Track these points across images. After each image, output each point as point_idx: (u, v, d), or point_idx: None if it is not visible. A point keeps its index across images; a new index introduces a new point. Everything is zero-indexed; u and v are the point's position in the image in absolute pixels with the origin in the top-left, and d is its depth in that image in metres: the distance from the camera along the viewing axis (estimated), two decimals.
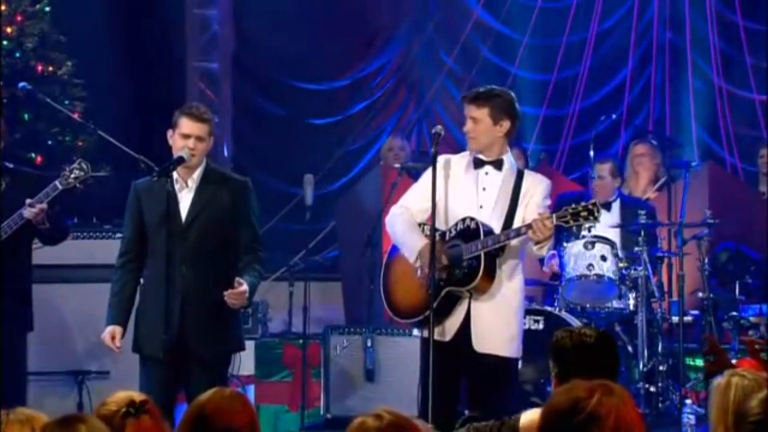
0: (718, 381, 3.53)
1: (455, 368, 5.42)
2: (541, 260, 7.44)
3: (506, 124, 5.47)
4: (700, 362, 7.65)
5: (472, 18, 10.62)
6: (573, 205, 5.21)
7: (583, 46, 10.47)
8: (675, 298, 7.67)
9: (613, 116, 9.18)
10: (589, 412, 2.79)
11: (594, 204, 5.20)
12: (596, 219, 5.19)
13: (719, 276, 7.95)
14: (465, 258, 5.35)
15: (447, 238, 5.41)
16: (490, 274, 5.35)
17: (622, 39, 10.55)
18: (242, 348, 5.72)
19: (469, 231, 5.38)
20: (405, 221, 5.54)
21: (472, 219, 5.39)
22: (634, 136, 9.45)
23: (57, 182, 6.03)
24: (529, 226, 5.23)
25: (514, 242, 5.35)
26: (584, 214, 5.19)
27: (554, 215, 5.21)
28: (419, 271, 5.43)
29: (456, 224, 5.43)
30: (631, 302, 7.36)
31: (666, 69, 10.51)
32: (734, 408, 3.37)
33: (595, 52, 10.49)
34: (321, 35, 10.59)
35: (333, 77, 10.75)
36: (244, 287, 5.39)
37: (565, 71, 10.49)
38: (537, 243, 5.25)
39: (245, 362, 7.26)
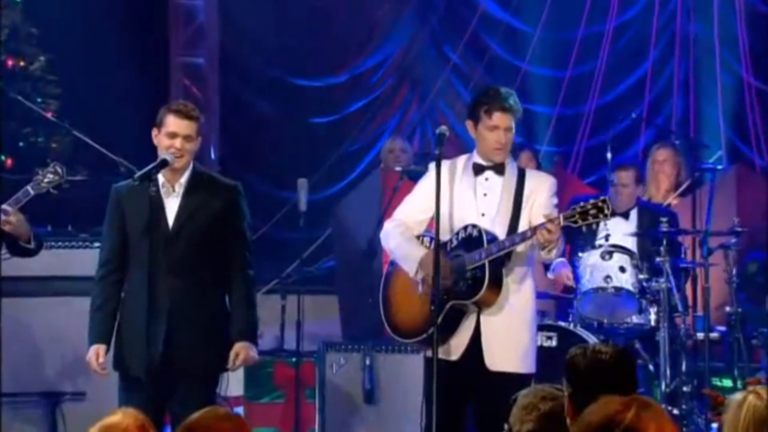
0: (735, 397, 3.58)
1: (463, 390, 5.43)
2: (546, 267, 7.45)
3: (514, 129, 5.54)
4: (728, 383, 7.65)
5: (479, 10, 10.64)
6: (581, 203, 5.23)
7: (600, 40, 10.49)
8: (700, 312, 7.67)
9: (633, 115, 9.19)
10: (626, 426, 2.79)
11: (604, 201, 5.20)
12: (606, 216, 5.20)
13: (748, 289, 7.95)
14: (468, 268, 5.36)
15: (449, 248, 5.42)
16: (497, 284, 5.36)
17: (642, 31, 10.57)
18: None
19: (472, 239, 5.40)
20: (400, 234, 5.56)
21: (474, 226, 5.40)
22: (656, 137, 9.47)
23: (29, 187, 6.03)
24: (534, 229, 5.23)
25: (520, 248, 5.36)
26: (593, 211, 5.20)
27: (561, 215, 5.23)
28: (421, 285, 5.42)
29: (458, 233, 5.44)
30: (653, 317, 7.36)
31: (690, 63, 10.52)
32: (744, 427, 3.41)
33: (613, 45, 10.50)
34: (316, 27, 10.61)
35: (329, 73, 10.78)
36: (244, 350, 5.43)
37: (580, 67, 10.51)
38: (544, 247, 5.25)
39: (233, 382, 7.27)
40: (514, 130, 5.51)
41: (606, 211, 5.19)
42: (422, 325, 5.42)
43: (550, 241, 5.21)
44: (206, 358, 5.50)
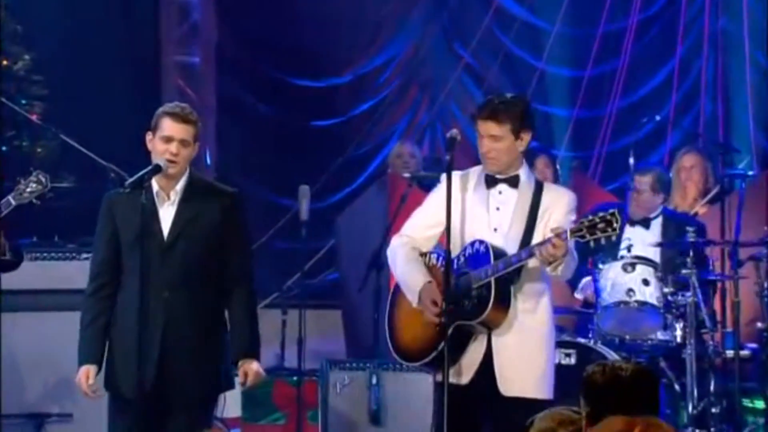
0: None
1: (475, 416, 5.44)
2: (571, 284, 7.46)
3: (527, 137, 5.50)
4: (759, 404, 7.66)
5: (493, 5, 10.66)
6: (589, 216, 5.22)
7: (622, 37, 10.51)
8: (729, 328, 7.68)
9: (657, 118, 9.22)
10: None
11: (613, 213, 5.17)
12: (615, 231, 5.17)
13: None
14: (474, 286, 5.38)
15: (456, 265, 5.44)
16: (503, 304, 5.37)
17: (668, 27, 10.59)
18: (231, 386, 5.74)
19: (479, 256, 5.41)
20: (405, 255, 5.56)
21: (481, 242, 5.41)
22: (682, 141, 9.49)
23: (10, 197, 6.05)
24: (541, 245, 5.24)
25: (532, 264, 5.35)
26: (601, 225, 5.18)
27: (568, 230, 5.21)
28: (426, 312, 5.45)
29: (464, 249, 5.46)
30: (678, 333, 7.38)
31: (719, 62, 10.53)
32: None
33: (636, 43, 10.52)
34: (319, 24, 10.64)
35: (333, 73, 10.81)
36: (253, 368, 5.47)
37: (601, 66, 10.53)
38: (550, 263, 5.26)
39: (231, 403, 7.26)
40: (508, 137, 5.42)
41: (615, 225, 5.15)
42: (427, 347, 5.43)
43: (554, 256, 5.20)
44: (204, 379, 5.50)
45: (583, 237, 5.21)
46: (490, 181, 5.52)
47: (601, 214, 5.19)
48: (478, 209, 5.50)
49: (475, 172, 5.57)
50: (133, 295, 5.43)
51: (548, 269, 5.31)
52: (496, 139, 5.44)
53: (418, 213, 5.66)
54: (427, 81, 11.10)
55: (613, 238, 5.25)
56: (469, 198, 5.50)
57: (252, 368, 5.50)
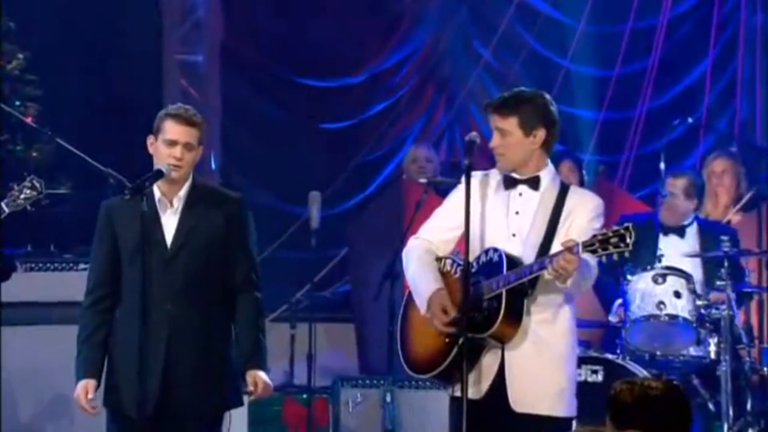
0: None
1: None
2: (605, 305, 7.45)
3: (541, 134, 5.50)
4: None
5: (515, 0, 10.68)
6: (603, 230, 5.22)
7: (652, 34, 10.51)
8: (767, 344, 7.68)
9: (690, 120, 9.21)
10: None
11: (627, 228, 5.14)
12: (629, 246, 5.16)
13: None
14: (485, 297, 5.40)
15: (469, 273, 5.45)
16: (514, 317, 5.36)
17: (701, 24, 10.59)
18: (240, 403, 5.75)
19: (492, 265, 5.42)
20: (419, 258, 5.58)
21: (495, 250, 5.42)
22: (716, 144, 9.48)
23: (3, 204, 6.08)
24: (552, 257, 5.24)
25: (549, 275, 5.37)
26: (614, 240, 5.16)
27: (581, 243, 5.20)
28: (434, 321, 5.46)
29: (479, 257, 5.47)
30: (713, 349, 7.38)
31: (756, 60, 10.53)
32: None
33: (667, 40, 10.53)
34: (331, 21, 10.67)
35: (345, 72, 10.83)
36: (262, 378, 5.48)
37: (629, 65, 10.53)
38: (559, 275, 5.25)
39: (236, 421, 7.28)
40: (516, 132, 5.44)
41: (628, 241, 5.12)
42: (437, 358, 5.44)
43: (565, 270, 5.19)
44: (210, 395, 5.53)
45: (595, 251, 5.20)
46: (509, 182, 5.54)
47: (614, 228, 5.19)
48: (496, 213, 5.51)
49: (496, 174, 5.59)
50: (134, 309, 5.45)
51: (557, 282, 5.31)
52: (502, 133, 5.47)
53: (436, 214, 5.68)
54: (445, 80, 11.11)
55: (627, 254, 5.24)
56: (489, 201, 5.52)
57: (261, 377, 5.52)
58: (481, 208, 5.51)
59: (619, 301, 7.60)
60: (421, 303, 5.50)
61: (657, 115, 10.26)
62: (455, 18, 10.99)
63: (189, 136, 5.53)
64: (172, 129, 5.52)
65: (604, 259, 5.27)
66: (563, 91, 10.20)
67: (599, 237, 5.20)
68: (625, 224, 5.19)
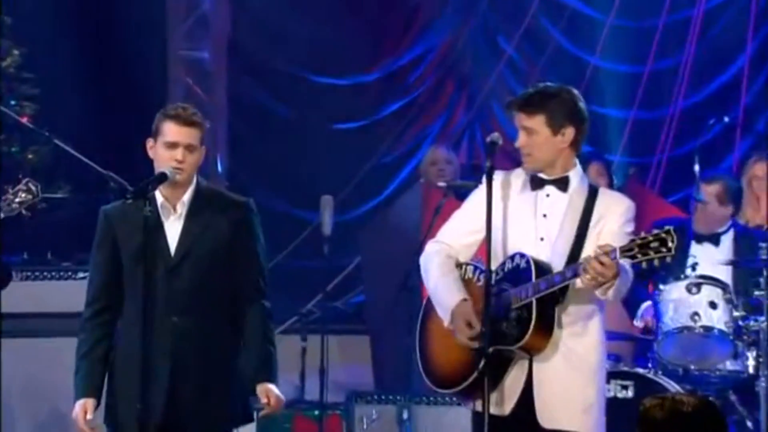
0: None
1: None
2: (630, 310, 7.45)
3: (569, 132, 5.51)
4: None
5: None
6: (642, 235, 5.21)
7: (686, 28, 10.50)
8: None
9: (726, 119, 9.20)
10: None
11: (668, 232, 5.14)
12: (670, 251, 5.16)
13: None
14: (514, 307, 5.39)
15: (493, 281, 5.45)
16: (546, 328, 5.37)
17: (737, 18, 10.57)
18: (249, 419, 5.75)
19: (519, 271, 5.42)
20: (440, 266, 5.57)
21: (522, 256, 5.42)
22: (753, 146, 9.45)
23: None
24: (587, 263, 5.22)
25: (586, 283, 5.37)
26: (655, 245, 5.16)
27: (618, 249, 5.21)
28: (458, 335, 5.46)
29: (504, 263, 5.46)
30: (751, 363, 7.37)
31: None
32: None
33: (702, 35, 10.52)
34: (344, 15, 10.68)
35: (359, 69, 10.84)
36: (274, 391, 5.49)
37: (662, 61, 10.53)
38: (600, 284, 5.25)
39: None
40: (543, 131, 5.44)
41: (670, 245, 5.13)
42: (460, 373, 5.45)
43: (604, 276, 5.19)
44: (216, 413, 5.52)
45: (634, 257, 5.20)
46: (537, 183, 5.54)
47: (654, 231, 5.18)
48: (522, 215, 5.51)
49: (519, 173, 5.59)
50: (137, 321, 5.45)
51: (597, 291, 5.31)
52: (529, 132, 5.48)
53: (456, 217, 5.68)
54: (465, 78, 11.11)
55: (668, 259, 5.23)
56: (513, 202, 5.52)
57: (273, 391, 5.53)
58: (504, 210, 5.50)
59: (646, 304, 7.60)
60: (444, 315, 5.50)
61: (691, 115, 10.25)
62: (476, 11, 10.99)
63: (190, 137, 5.53)
64: (171, 130, 5.52)
65: (644, 264, 5.26)
66: (591, 89, 10.19)
67: (638, 241, 5.19)
68: (666, 227, 5.19)
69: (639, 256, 5.20)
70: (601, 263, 5.17)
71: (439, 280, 5.56)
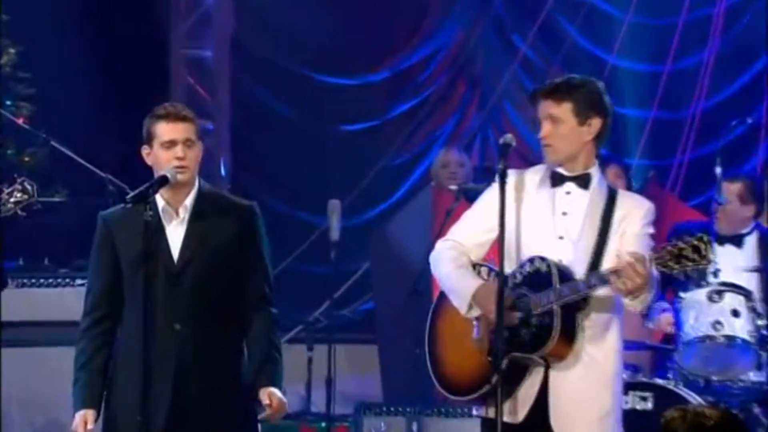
0: None
1: None
2: (645, 315, 7.43)
3: (596, 123, 5.50)
4: None
5: None
6: (674, 242, 5.20)
7: (707, 26, 10.50)
8: None
9: (749, 120, 9.20)
10: None
11: (701, 239, 5.13)
12: (707, 260, 5.15)
13: None
14: (535, 313, 5.38)
15: (511, 284, 5.43)
16: (569, 336, 5.36)
17: (761, 15, 10.56)
18: (255, 431, 5.74)
19: (540, 276, 5.40)
20: (453, 259, 5.55)
21: (543, 259, 5.40)
22: None
23: None
24: (616, 272, 5.23)
25: (616, 291, 5.35)
26: (688, 252, 5.14)
27: (650, 257, 5.20)
28: (476, 328, 5.44)
29: (522, 266, 5.44)
30: None
31: None
32: None
33: (725, 33, 10.51)
34: (351, 13, 10.68)
35: (367, 69, 10.85)
36: (278, 395, 5.48)
37: (682, 60, 10.52)
38: (629, 293, 5.25)
39: None
40: (570, 120, 5.42)
41: (704, 253, 5.11)
42: (476, 380, 5.43)
43: (636, 285, 5.17)
44: (221, 425, 5.52)
45: (667, 267, 5.18)
46: (557, 179, 5.52)
47: (687, 239, 5.15)
48: (539, 213, 5.49)
49: (538, 170, 5.57)
50: (138, 329, 5.44)
51: (626, 300, 5.30)
52: (554, 121, 5.46)
53: (468, 216, 5.66)
54: (477, 77, 11.12)
55: (709, 268, 5.23)
56: (529, 200, 5.50)
57: (276, 394, 5.52)
58: (517, 209, 5.48)
59: (663, 305, 7.58)
60: (460, 303, 5.46)
61: (713, 115, 10.25)
62: (489, 8, 11.00)
63: (187, 132, 5.53)
64: (165, 129, 5.53)
65: (675, 273, 5.24)
66: (609, 88, 10.05)
67: (670, 249, 5.17)
68: (699, 234, 5.18)
69: (674, 265, 5.17)
70: (635, 270, 5.16)
71: (453, 271, 5.52)
